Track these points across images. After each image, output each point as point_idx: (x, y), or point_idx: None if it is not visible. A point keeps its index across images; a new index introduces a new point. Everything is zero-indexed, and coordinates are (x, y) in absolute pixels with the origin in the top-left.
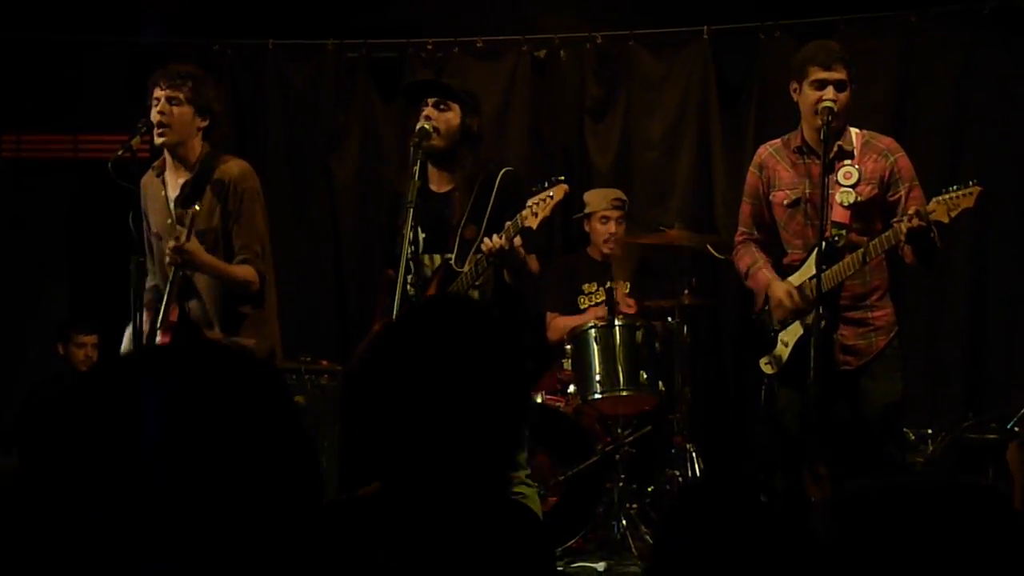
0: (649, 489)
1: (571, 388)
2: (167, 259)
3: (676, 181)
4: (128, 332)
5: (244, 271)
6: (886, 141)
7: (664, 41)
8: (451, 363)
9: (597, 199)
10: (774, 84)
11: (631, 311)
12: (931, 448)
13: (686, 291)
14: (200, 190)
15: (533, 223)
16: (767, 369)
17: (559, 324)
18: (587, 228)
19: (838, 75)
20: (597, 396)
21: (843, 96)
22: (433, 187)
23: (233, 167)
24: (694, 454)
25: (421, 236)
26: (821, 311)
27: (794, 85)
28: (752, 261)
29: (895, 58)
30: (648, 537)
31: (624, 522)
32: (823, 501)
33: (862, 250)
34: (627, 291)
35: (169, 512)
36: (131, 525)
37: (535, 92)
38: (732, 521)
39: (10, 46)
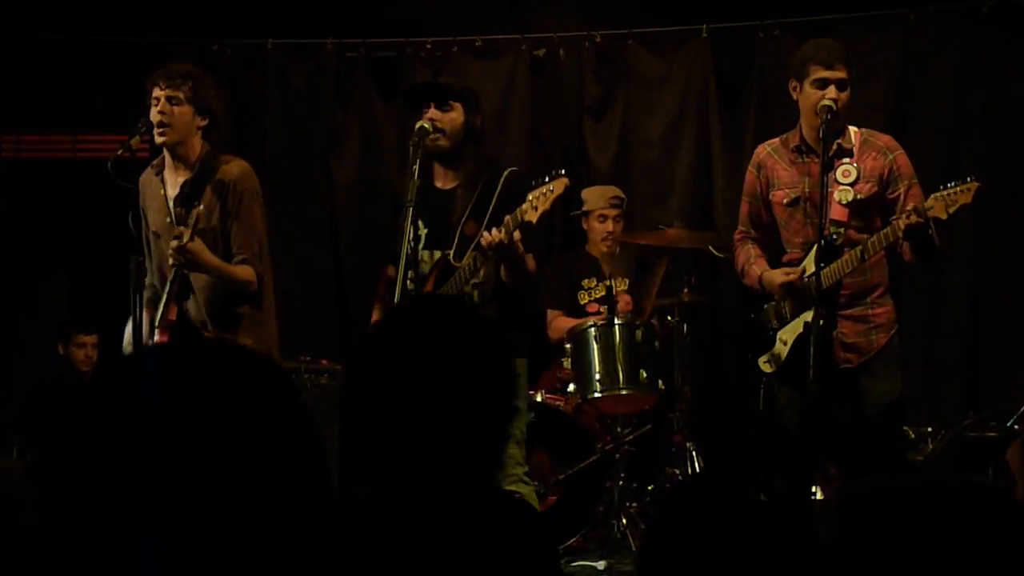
0: (649, 488)
1: (571, 387)
2: (170, 259)
3: (675, 180)
4: (129, 328)
5: (244, 271)
6: (885, 139)
7: (663, 40)
8: (432, 363)
9: (595, 197)
10: (773, 83)
11: (628, 308)
12: (931, 446)
13: (685, 290)
14: (200, 189)
15: (533, 217)
16: (766, 368)
17: (560, 324)
18: (585, 226)
19: (840, 74)
20: (597, 395)
21: (844, 96)
22: (438, 184)
23: (233, 167)
24: (694, 453)
25: (423, 232)
26: (820, 309)
27: (794, 84)
28: (746, 259)
29: (894, 56)
30: None
31: (624, 521)
32: (826, 500)
33: (860, 247)
34: (624, 288)
35: (170, 512)
36: (131, 525)
37: (534, 91)
38: (723, 518)
39: (10, 46)
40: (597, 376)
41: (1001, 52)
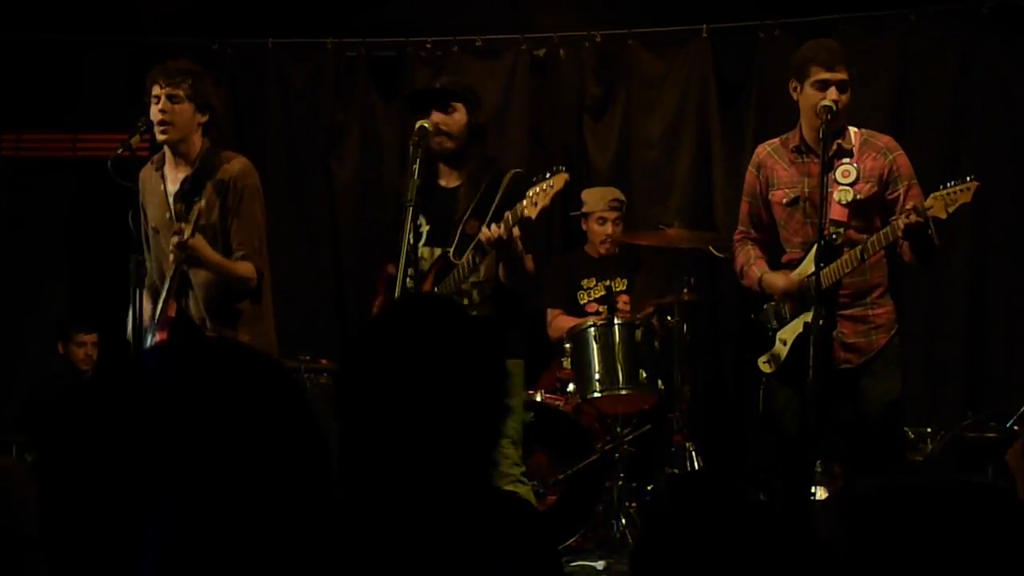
0: (648, 488)
1: (570, 387)
2: (171, 255)
3: (675, 180)
4: (131, 320)
5: (244, 267)
6: (885, 139)
7: (663, 40)
8: (423, 360)
9: (595, 199)
10: (773, 83)
11: (627, 308)
12: (931, 447)
13: (685, 290)
14: (200, 186)
15: (533, 212)
16: (766, 368)
17: (561, 322)
18: (584, 227)
19: (840, 76)
20: (596, 395)
21: (844, 97)
22: (442, 182)
23: (234, 164)
24: (693, 453)
25: (425, 229)
26: (820, 309)
27: (794, 84)
28: (745, 260)
29: (894, 57)
30: None
31: (623, 521)
32: (827, 500)
33: (860, 247)
34: (623, 288)
35: (170, 511)
36: (132, 523)
37: (534, 91)
38: (717, 516)
39: (10, 46)
40: (597, 376)
41: (1001, 52)
